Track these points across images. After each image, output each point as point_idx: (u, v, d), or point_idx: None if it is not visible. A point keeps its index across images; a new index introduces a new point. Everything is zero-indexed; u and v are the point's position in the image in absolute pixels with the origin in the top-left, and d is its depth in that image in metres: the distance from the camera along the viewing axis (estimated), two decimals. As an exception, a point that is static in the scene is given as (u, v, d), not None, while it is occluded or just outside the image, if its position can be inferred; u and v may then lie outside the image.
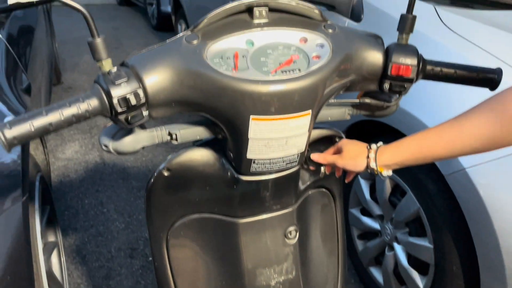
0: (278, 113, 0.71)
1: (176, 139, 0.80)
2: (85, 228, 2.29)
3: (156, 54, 0.71)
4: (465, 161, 1.31)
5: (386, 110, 0.90)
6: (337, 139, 0.95)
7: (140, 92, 0.68)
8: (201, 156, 0.84)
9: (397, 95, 0.86)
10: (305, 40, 0.76)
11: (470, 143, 0.70)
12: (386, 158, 0.80)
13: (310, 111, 0.74)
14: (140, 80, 0.69)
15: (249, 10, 0.75)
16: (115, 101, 0.66)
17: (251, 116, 0.71)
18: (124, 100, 0.66)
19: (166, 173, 0.84)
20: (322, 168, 0.93)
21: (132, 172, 2.79)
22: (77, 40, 5.80)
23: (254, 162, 0.78)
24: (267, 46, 0.74)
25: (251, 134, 0.73)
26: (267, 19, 0.75)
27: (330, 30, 0.77)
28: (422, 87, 1.35)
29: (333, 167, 0.91)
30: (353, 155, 0.83)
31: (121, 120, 0.69)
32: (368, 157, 0.82)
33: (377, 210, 1.77)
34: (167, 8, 6.01)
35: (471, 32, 1.45)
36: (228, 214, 0.88)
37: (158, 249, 0.94)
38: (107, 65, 0.68)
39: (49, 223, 1.75)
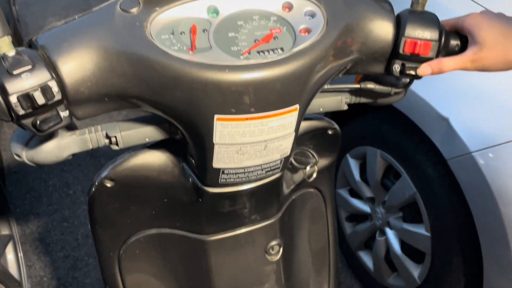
0: (254, 110, 0.52)
1: (117, 144, 0.60)
2: (49, 213, 2.09)
3: (77, 30, 0.50)
4: (472, 144, 1.14)
5: (392, 97, 0.71)
6: (329, 131, 0.76)
7: (53, 85, 0.47)
8: (154, 160, 0.65)
9: (408, 79, 0.67)
10: (289, 6, 0.55)
11: None
12: None
13: (297, 105, 0.54)
14: (53, 68, 0.48)
15: None
16: (13, 99, 0.45)
17: (216, 116, 0.52)
18: (27, 98, 0.46)
19: (109, 184, 0.64)
20: (308, 168, 0.74)
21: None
22: (43, 0, 5.37)
23: (223, 172, 0.59)
24: (237, 15, 0.54)
25: (216, 138, 0.54)
26: None
27: None
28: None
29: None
30: (501, 41, 0.56)
31: (27, 125, 0.48)
32: None
33: (367, 193, 1.62)
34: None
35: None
36: (193, 230, 0.70)
37: (109, 270, 0.76)
38: (4, 46, 0.47)
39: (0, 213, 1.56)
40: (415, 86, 1.26)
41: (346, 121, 1.65)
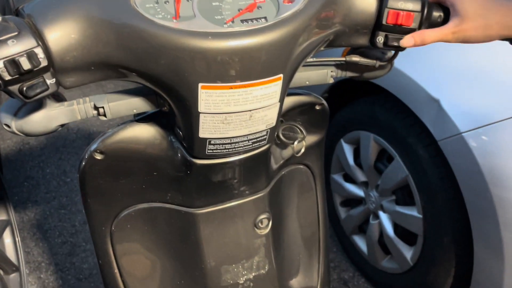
0: (238, 79, 0.53)
1: (105, 115, 0.61)
2: (47, 200, 2.11)
3: None
4: (462, 125, 1.15)
5: (378, 71, 0.72)
6: (317, 107, 0.77)
7: (39, 51, 0.48)
8: (143, 133, 0.66)
9: (393, 52, 0.68)
10: None
11: None
12: None
13: (281, 75, 0.55)
14: (39, 35, 0.49)
15: None
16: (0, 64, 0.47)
17: (200, 84, 0.53)
18: (13, 63, 0.47)
19: (99, 157, 0.66)
20: (296, 143, 0.75)
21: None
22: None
23: (209, 143, 0.60)
24: None
25: (201, 107, 0.55)
26: None
27: None
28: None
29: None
30: (482, 13, 0.58)
31: (14, 92, 0.49)
32: None
33: (361, 177, 1.63)
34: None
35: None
36: (183, 204, 0.71)
37: (101, 244, 0.77)
38: None
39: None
40: (406, 68, 1.29)
41: (339, 106, 1.67)
